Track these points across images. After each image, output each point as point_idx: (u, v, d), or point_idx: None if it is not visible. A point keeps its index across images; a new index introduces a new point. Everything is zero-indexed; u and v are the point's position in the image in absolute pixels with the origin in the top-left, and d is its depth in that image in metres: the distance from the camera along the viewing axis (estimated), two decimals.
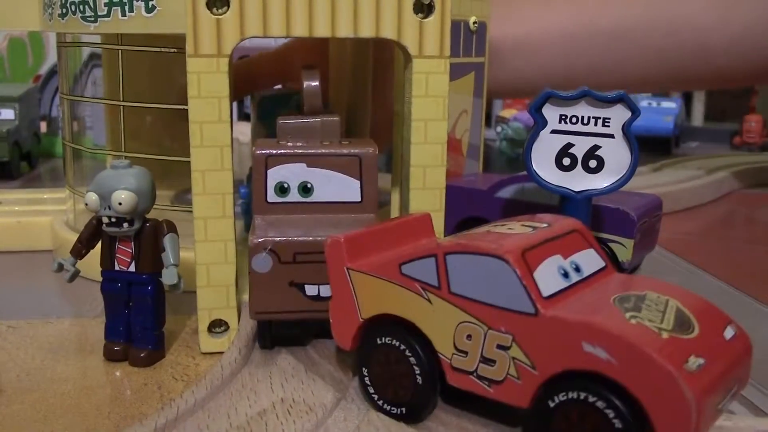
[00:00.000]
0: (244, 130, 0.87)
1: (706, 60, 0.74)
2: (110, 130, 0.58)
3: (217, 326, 0.38)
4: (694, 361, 0.25)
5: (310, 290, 0.36)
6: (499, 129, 1.05)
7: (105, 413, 0.33)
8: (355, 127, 0.55)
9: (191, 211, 0.37)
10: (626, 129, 0.39)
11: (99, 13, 0.39)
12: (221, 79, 0.35)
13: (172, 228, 0.37)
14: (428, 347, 0.30)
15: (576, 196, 0.41)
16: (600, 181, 0.41)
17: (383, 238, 0.34)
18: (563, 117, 0.40)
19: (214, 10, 0.35)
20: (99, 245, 0.38)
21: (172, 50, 0.42)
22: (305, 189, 0.38)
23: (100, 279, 0.38)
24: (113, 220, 0.36)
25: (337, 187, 0.38)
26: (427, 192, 0.39)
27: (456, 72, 0.51)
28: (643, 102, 1.15)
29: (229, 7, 0.35)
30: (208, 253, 0.37)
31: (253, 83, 0.60)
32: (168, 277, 0.36)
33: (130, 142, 0.48)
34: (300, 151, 0.38)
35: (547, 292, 0.28)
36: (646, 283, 0.30)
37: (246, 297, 0.37)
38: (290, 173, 0.38)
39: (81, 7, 0.40)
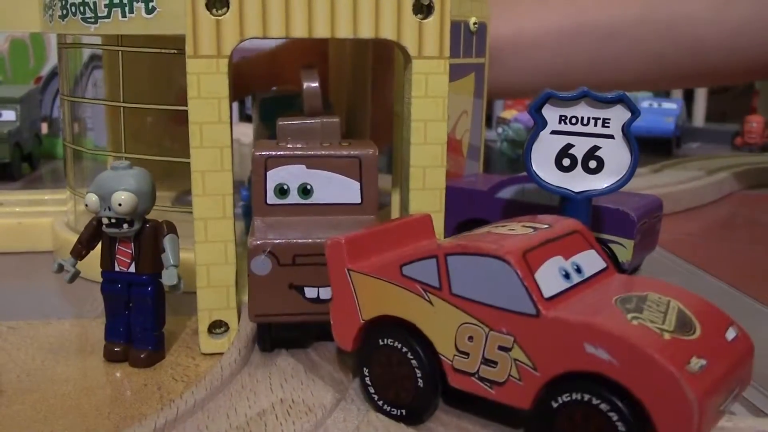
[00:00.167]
0: (246, 131, 0.87)
1: (702, 57, 0.74)
2: (111, 131, 0.59)
3: (217, 327, 0.38)
4: (696, 362, 0.25)
5: (310, 293, 0.36)
6: (500, 130, 1.05)
7: (105, 414, 0.33)
8: (354, 128, 0.55)
9: (191, 212, 0.37)
10: (626, 129, 0.39)
11: (99, 15, 0.39)
12: (221, 79, 0.35)
13: (172, 229, 0.37)
14: (429, 349, 0.30)
15: (576, 197, 0.41)
16: (600, 182, 0.40)
17: (384, 240, 0.33)
18: (563, 118, 0.40)
19: (214, 11, 0.35)
20: (99, 246, 0.38)
21: (172, 51, 0.42)
22: (305, 191, 0.38)
23: (100, 280, 0.38)
24: (113, 221, 0.36)
25: (337, 188, 0.38)
26: (427, 193, 0.39)
27: (456, 73, 0.50)
28: (644, 103, 1.15)
29: (228, 8, 0.35)
30: (208, 253, 0.37)
31: (245, 85, 0.60)
32: (168, 277, 0.36)
33: (131, 143, 0.48)
34: (299, 152, 0.38)
35: (549, 293, 0.28)
36: (647, 284, 0.30)
37: (246, 298, 0.37)
38: (290, 175, 0.38)
39: (81, 8, 0.40)
